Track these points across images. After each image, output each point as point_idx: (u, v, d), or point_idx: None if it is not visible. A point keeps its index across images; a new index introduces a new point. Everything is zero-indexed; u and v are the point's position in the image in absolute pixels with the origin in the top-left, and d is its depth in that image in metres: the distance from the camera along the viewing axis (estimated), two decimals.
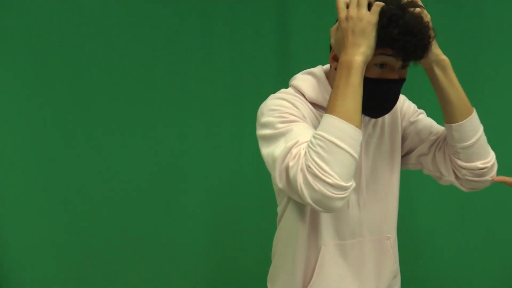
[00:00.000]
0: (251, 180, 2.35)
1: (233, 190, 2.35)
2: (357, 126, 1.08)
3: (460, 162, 1.29)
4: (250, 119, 2.30)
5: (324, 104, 1.26)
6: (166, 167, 2.29)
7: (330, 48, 1.27)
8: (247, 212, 2.36)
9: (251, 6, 2.30)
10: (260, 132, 1.21)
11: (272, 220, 1.48)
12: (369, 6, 1.14)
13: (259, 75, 2.32)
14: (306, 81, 1.30)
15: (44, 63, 2.16)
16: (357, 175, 1.29)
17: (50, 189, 2.19)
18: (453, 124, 1.26)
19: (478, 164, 1.28)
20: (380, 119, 1.37)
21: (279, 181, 1.12)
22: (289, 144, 1.11)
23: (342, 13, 1.15)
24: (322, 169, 1.04)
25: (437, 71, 1.24)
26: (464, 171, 1.29)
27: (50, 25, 2.16)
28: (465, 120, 1.25)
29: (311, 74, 1.32)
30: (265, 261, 1.52)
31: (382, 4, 1.12)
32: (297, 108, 1.21)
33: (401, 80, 1.21)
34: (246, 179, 2.35)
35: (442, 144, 1.35)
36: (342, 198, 1.06)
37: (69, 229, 2.21)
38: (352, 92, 1.09)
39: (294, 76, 1.34)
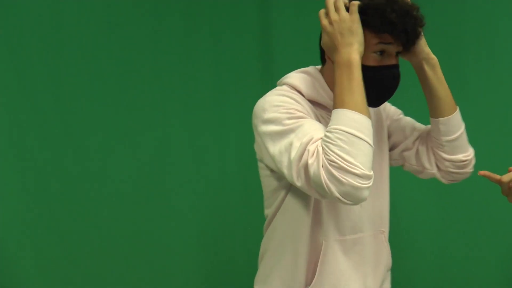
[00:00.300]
0: (236, 181, 2.34)
1: (218, 192, 2.34)
2: (368, 117, 1.12)
3: (444, 155, 1.39)
4: (233, 120, 2.34)
5: (322, 101, 1.29)
6: (150, 169, 2.26)
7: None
8: (233, 213, 2.35)
9: (233, 7, 2.29)
10: (265, 128, 1.19)
11: (258, 221, 1.47)
12: (346, 9, 1.19)
13: (241, 78, 2.31)
14: (301, 79, 1.31)
15: (25, 65, 2.12)
16: None
17: (31, 190, 2.15)
18: (440, 119, 1.36)
19: (461, 156, 1.39)
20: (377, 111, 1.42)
21: (296, 180, 1.12)
22: (304, 140, 1.12)
23: (324, 20, 1.20)
24: (348, 162, 1.05)
25: (427, 69, 1.33)
26: (447, 163, 1.40)
27: (31, 26, 2.12)
28: (452, 115, 1.35)
29: (305, 72, 1.33)
30: (252, 263, 1.51)
31: (358, 2, 1.18)
32: (300, 104, 1.22)
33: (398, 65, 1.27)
34: (231, 180, 2.34)
35: (424, 139, 1.44)
36: (369, 188, 1.08)
37: (51, 231, 2.17)
38: (357, 86, 1.13)
39: (286, 75, 1.34)
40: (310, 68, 1.34)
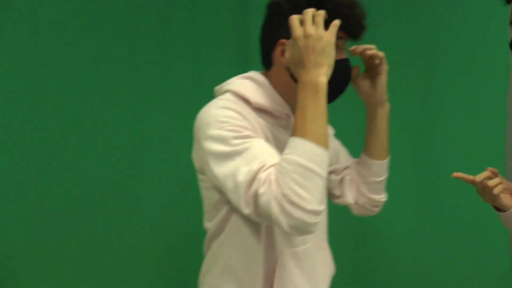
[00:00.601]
0: None
1: (189, 193, 2.31)
2: (327, 149, 1.09)
3: (366, 192, 1.50)
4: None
5: (271, 109, 1.26)
6: (121, 169, 2.21)
7: (272, 44, 1.26)
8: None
9: (211, 6, 2.25)
10: (209, 146, 1.14)
11: None
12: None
13: (217, 77, 2.25)
14: (247, 85, 1.27)
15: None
16: None
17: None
18: (376, 161, 1.46)
19: (378, 197, 1.52)
20: None
21: (244, 208, 1.08)
22: (255, 168, 1.07)
23: (298, 31, 1.13)
24: (302, 197, 1.03)
25: (380, 113, 1.41)
26: (365, 200, 1.51)
27: (7, 25, 2.09)
28: (385, 160, 1.48)
29: (249, 78, 1.29)
30: None
31: (339, 22, 1.15)
32: (246, 119, 1.17)
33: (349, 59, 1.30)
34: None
35: (353, 171, 1.53)
36: (318, 222, 1.07)
37: (19, 232, 2.14)
38: (321, 114, 1.09)
39: (228, 81, 1.30)
40: (254, 74, 1.30)
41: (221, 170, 1.11)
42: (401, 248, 2.40)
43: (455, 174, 1.41)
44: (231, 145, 1.11)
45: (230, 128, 1.13)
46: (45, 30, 2.12)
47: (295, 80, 1.22)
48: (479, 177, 1.38)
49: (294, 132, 1.09)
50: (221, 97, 1.25)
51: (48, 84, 2.14)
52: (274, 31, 1.26)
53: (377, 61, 1.37)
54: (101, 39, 2.18)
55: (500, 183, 1.38)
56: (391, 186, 2.27)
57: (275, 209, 1.03)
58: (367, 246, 2.39)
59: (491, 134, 2.37)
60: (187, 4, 2.26)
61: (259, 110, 1.26)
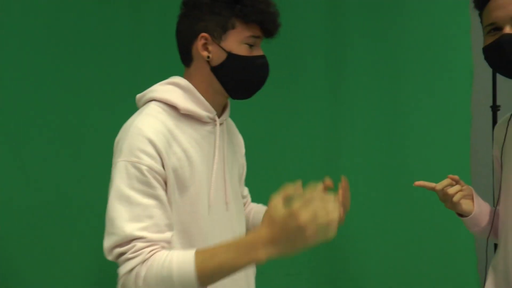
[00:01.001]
0: None
1: None
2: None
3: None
4: None
5: (198, 114, 1.29)
6: (91, 173, 2.17)
7: (192, 38, 1.29)
8: None
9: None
10: (113, 176, 1.18)
11: None
12: None
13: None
14: (173, 91, 1.28)
15: None
16: (222, 190, 1.34)
17: None
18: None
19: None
20: (231, 128, 1.50)
21: (107, 253, 1.15)
22: (137, 233, 1.12)
23: (305, 213, 0.99)
24: None
25: None
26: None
27: None
28: None
29: (174, 84, 1.30)
30: None
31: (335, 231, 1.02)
32: (158, 152, 1.18)
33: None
34: None
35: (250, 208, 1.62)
36: None
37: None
38: (233, 273, 1.08)
39: (151, 89, 1.31)
40: (178, 79, 1.32)
41: (111, 205, 1.16)
42: (368, 248, 2.41)
43: (417, 183, 1.43)
44: (131, 187, 1.15)
45: (135, 173, 1.16)
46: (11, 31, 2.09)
47: (216, 75, 1.29)
48: (439, 185, 1.41)
49: (198, 253, 1.09)
50: (146, 110, 1.25)
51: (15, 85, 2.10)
52: (193, 25, 1.28)
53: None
54: (73, 44, 2.16)
55: (460, 190, 1.42)
56: (359, 191, 2.33)
57: (126, 277, 1.13)
58: (334, 248, 2.38)
59: (456, 138, 2.42)
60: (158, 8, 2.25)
61: (186, 116, 1.28)
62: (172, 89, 1.29)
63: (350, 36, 2.37)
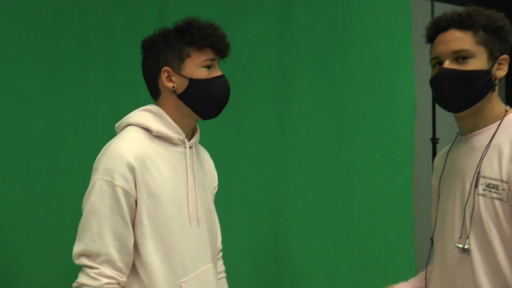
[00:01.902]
0: None
1: None
2: None
3: None
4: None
5: (169, 136, 1.42)
6: (39, 171, 2.04)
7: (156, 74, 1.42)
8: None
9: (131, 17, 2.16)
10: (91, 190, 1.33)
11: None
12: None
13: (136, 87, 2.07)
14: (146, 116, 1.42)
15: None
16: (194, 207, 1.44)
17: None
18: None
19: None
20: (201, 152, 1.59)
21: (74, 258, 1.32)
22: (101, 258, 1.30)
23: None
24: None
25: None
26: None
27: None
28: None
29: (147, 110, 1.44)
30: None
31: None
32: (132, 173, 1.32)
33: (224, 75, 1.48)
34: None
35: None
36: None
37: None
38: None
39: (127, 116, 1.44)
40: (151, 106, 1.45)
41: (84, 216, 1.33)
42: (310, 248, 2.42)
43: None
44: (103, 205, 1.31)
45: (110, 188, 1.31)
46: None
47: (183, 100, 1.42)
48: None
49: None
50: (123, 133, 1.40)
51: None
52: (155, 62, 1.43)
53: None
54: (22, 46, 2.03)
55: None
56: (302, 205, 2.35)
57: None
58: (278, 249, 2.40)
59: (400, 169, 2.52)
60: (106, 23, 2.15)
61: (159, 137, 1.41)
62: (146, 114, 1.42)
63: (298, 78, 2.41)
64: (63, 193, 2.04)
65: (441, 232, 1.43)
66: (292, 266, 2.38)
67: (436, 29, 1.36)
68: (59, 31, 2.06)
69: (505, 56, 1.35)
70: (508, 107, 1.37)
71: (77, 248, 1.32)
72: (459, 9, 1.37)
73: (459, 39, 1.31)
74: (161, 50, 1.42)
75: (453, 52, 1.31)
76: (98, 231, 1.30)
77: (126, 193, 1.32)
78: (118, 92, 2.14)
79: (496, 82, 1.34)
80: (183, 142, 1.45)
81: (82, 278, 1.31)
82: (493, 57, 1.32)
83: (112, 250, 1.30)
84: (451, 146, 1.49)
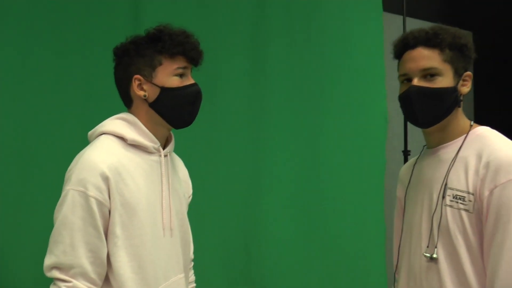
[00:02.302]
0: None
1: None
2: None
3: None
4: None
5: (143, 144, 1.40)
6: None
7: (127, 82, 1.41)
8: None
9: (104, 23, 2.16)
10: (63, 200, 1.31)
11: None
12: None
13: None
14: (120, 125, 1.41)
15: None
16: (168, 216, 1.43)
17: None
18: None
19: None
20: (176, 161, 1.58)
21: (46, 270, 1.30)
22: (74, 270, 1.28)
23: None
24: None
25: None
26: None
27: None
28: None
29: (121, 118, 1.43)
30: None
31: None
32: (105, 183, 1.31)
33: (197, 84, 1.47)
34: None
35: None
36: None
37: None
38: None
39: (101, 124, 1.43)
40: (125, 114, 1.44)
41: (56, 228, 1.31)
42: (283, 250, 2.43)
43: None
44: (75, 216, 1.29)
45: (82, 199, 1.29)
46: None
47: (155, 109, 1.40)
48: None
49: None
50: (97, 142, 1.38)
51: None
52: (126, 70, 1.41)
53: None
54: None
55: None
56: (275, 202, 2.37)
57: None
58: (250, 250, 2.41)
59: (372, 181, 2.55)
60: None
61: (134, 146, 1.39)
62: (120, 123, 1.41)
63: (271, 77, 2.44)
64: (36, 201, 2.02)
65: (408, 241, 1.46)
66: (263, 274, 2.39)
67: (403, 46, 1.40)
68: (32, 36, 2.05)
69: (468, 73, 1.40)
70: (472, 122, 1.42)
71: (48, 260, 1.30)
72: (430, 24, 1.42)
73: (427, 57, 1.35)
74: (132, 58, 1.40)
75: (422, 70, 1.35)
76: (71, 243, 1.28)
77: (100, 204, 1.30)
78: (92, 99, 2.12)
79: (461, 98, 1.39)
80: (158, 151, 1.44)
81: None
82: (458, 74, 1.37)
83: (85, 261, 1.28)
84: (417, 158, 1.54)
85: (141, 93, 1.40)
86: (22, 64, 2.06)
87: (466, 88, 1.40)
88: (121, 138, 1.38)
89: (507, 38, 3.81)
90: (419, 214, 1.42)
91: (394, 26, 2.87)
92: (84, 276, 1.28)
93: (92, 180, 1.29)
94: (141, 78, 1.39)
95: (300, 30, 2.48)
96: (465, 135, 1.39)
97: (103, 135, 1.39)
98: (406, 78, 1.39)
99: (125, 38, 1.45)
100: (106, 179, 1.30)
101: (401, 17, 2.83)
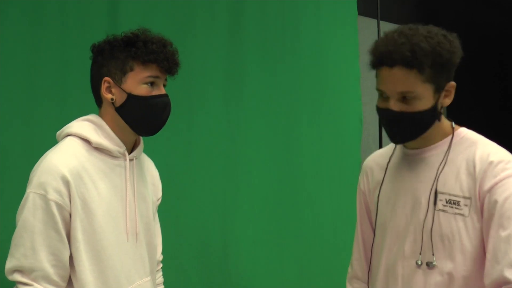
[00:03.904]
0: None
1: None
2: None
3: None
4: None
5: (108, 148, 1.37)
6: None
7: (98, 83, 1.37)
8: None
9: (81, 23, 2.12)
10: (24, 203, 1.29)
11: None
12: None
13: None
14: (87, 127, 1.38)
15: None
16: (133, 221, 1.41)
17: None
18: None
19: None
20: (146, 163, 1.55)
21: (7, 273, 1.29)
22: (35, 274, 1.27)
23: None
24: None
25: None
26: None
27: None
28: None
29: (88, 120, 1.40)
30: None
31: None
32: (66, 186, 1.29)
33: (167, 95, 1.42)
34: None
35: None
36: None
37: None
38: None
39: (68, 125, 1.40)
40: (92, 116, 1.41)
41: (17, 231, 1.29)
42: (256, 251, 2.44)
43: None
44: (36, 219, 1.27)
45: (43, 202, 1.28)
46: None
47: (120, 114, 1.37)
48: None
49: None
50: (61, 145, 1.35)
51: None
52: (99, 70, 1.39)
53: None
54: None
55: None
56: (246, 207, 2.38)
57: None
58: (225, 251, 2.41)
59: (347, 180, 2.58)
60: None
61: (98, 149, 1.37)
62: (87, 125, 1.38)
63: (247, 79, 2.45)
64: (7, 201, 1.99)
65: (382, 244, 1.42)
66: (241, 273, 2.41)
67: (380, 62, 1.30)
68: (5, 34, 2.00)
69: (452, 83, 1.32)
70: (453, 124, 1.38)
71: (9, 263, 1.29)
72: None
73: (405, 79, 1.26)
74: (105, 59, 1.37)
75: (399, 93, 1.28)
76: (31, 246, 1.27)
77: (60, 207, 1.28)
78: (67, 98, 2.09)
79: (441, 110, 1.34)
80: (123, 155, 1.41)
81: None
82: (439, 89, 1.30)
83: (46, 265, 1.27)
84: (390, 156, 1.46)
85: (109, 96, 1.37)
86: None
87: (448, 100, 1.34)
88: (86, 141, 1.36)
89: (481, 40, 3.91)
90: (403, 219, 1.38)
91: (369, 29, 2.93)
92: (46, 279, 1.27)
93: (53, 184, 1.27)
94: (111, 81, 1.36)
95: (276, 32, 2.51)
96: (449, 137, 1.36)
97: (68, 137, 1.36)
98: (383, 94, 1.32)
99: (106, 35, 1.42)
100: (67, 183, 1.28)
101: (376, 20, 2.88)
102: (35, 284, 1.26)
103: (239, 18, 2.45)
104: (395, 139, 1.37)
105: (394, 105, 1.29)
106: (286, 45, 2.53)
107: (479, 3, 4.05)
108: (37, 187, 1.27)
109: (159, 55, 1.34)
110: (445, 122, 1.38)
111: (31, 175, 1.32)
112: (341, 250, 2.53)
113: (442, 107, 1.34)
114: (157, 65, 1.35)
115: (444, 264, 1.30)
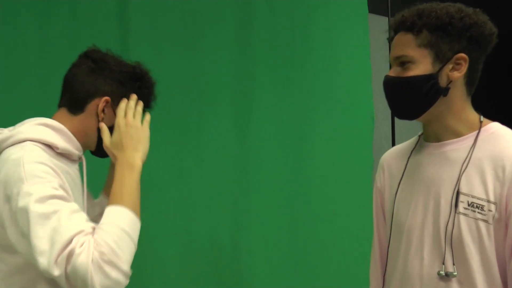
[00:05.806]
0: None
1: None
2: (140, 220, 1.23)
3: None
4: None
5: (71, 154, 1.32)
6: None
7: (93, 95, 1.36)
8: None
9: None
10: (23, 203, 1.12)
11: None
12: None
13: None
14: (47, 132, 1.29)
15: None
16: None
17: None
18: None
19: None
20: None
21: (54, 269, 1.07)
22: (72, 232, 1.09)
23: (122, 120, 1.35)
24: (118, 256, 1.10)
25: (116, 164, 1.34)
26: None
27: None
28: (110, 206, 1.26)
29: (46, 125, 1.31)
30: None
31: (149, 117, 1.41)
32: (58, 175, 1.20)
33: None
34: None
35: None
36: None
37: None
38: (137, 189, 1.26)
39: (19, 130, 1.27)
40: (48, 121, 1.32)
41: (34, 229, 1.10)
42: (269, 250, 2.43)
43: None
44: (49, 204, 1.12)
45: (47, 186, 1.15)
46: None
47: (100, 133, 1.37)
48: None
49: (111, 201, 1.22)
50: (25, 148, 1.21)
51: None
52: (99, 84, 1.36)
53: None
54: None
55: None
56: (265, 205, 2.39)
57: (91, 269, 1.06)
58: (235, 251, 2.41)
59: (360, 179, 2.57)
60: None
61: (61, 155, 1.30)
62: (46, 130, 1.29)
63: (257, 79, 2.45)
64: None
65: (400, 245, 1.33)
66: (253, 274, 2.40)
67: (393, 31, 1.28)
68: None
69: (462, 55, 1.21)
70: (482, 117, 1.27)
71: (47, 258, 1.09)
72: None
73: (401, 44, 1.23)
74: (111, 78, 1.37)
75: (395, 58, 1.25)
76: (63, 224, 1.11)
77: (62, 189, 1.22)
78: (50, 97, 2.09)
79: (450, 85, 1.23)
80: (80, 159, 1.39)
81: (78, 259, 1.08)
82: (442, 58, 1.21)
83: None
84: (412, 150, 1.37)
85: (102, 115, 1.37)
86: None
87: (457, 72, 1.22)
88: (48, 146, 1.27)
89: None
90: (420, 219, 1.28)
91: (380, 27, 2.91)
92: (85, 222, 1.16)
93: (48, 170, 1.20)
94: (110, 102, 1.37)
95: (285, 32, 2.50)
96: (475, 132, 1.23)
97: (27, 142, 1.24)
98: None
99: (107, 51, 1.42)
100: (55, 172, 1.23)
101: (386, 18, 2.86)
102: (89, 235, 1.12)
103: (249, 19, 2.45)
104: (395, 111, 1.30)
105: (392, 72, 1.26)
106: (296, 45, 2.51)
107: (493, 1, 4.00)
108: (34, 178, 1.15)
109: (152, 98, 1.47)
110: (471, 114, 1.27)
111: (10, 181, 1.16)
112: (354, 250, 2.52)
113: (451, 81, 1.22)
114: (145, 105, 1.44)
115: (464, 273, 1.19)
